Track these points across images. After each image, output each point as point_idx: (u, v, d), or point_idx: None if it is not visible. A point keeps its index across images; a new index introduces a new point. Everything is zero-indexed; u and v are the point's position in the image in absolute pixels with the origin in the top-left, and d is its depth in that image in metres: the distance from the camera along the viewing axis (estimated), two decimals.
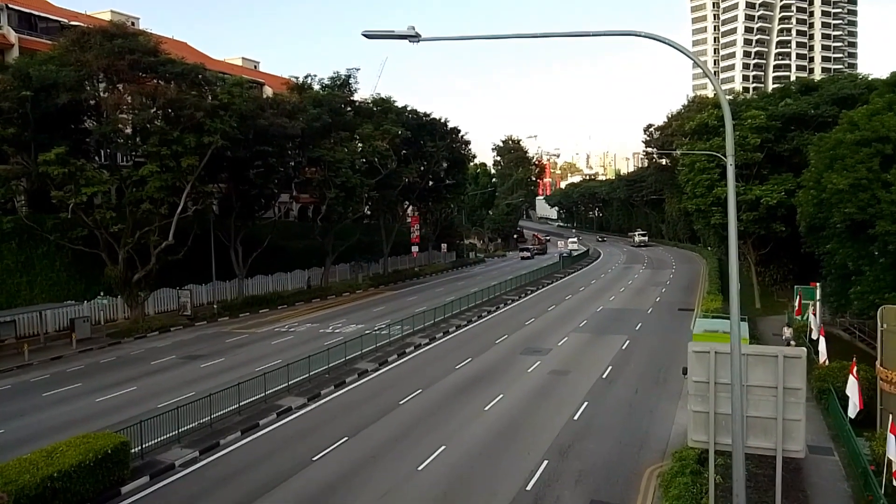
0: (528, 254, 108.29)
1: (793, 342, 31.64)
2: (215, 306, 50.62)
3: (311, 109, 54.25)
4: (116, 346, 39.75)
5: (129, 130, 44.57)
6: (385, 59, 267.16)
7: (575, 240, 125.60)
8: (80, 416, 25.74)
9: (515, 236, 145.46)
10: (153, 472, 19.98)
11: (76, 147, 41.74)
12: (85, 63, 40.27)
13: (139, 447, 20.83)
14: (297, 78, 61.97)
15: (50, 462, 17.43)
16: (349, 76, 63.19)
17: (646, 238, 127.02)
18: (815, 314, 32.91)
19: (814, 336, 30.27)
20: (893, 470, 15.55)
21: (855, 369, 21.14)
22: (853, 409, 20.56)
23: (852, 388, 20.69)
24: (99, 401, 28.07)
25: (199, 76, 44.93)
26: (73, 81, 39.50)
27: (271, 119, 48.80)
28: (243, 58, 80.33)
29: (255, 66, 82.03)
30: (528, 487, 18.56)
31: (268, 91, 66.06)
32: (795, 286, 40.30)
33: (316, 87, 61.35)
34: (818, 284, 36.74)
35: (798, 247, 44.00)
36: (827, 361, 26.81)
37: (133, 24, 58.33)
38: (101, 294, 45.08)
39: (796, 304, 37.88)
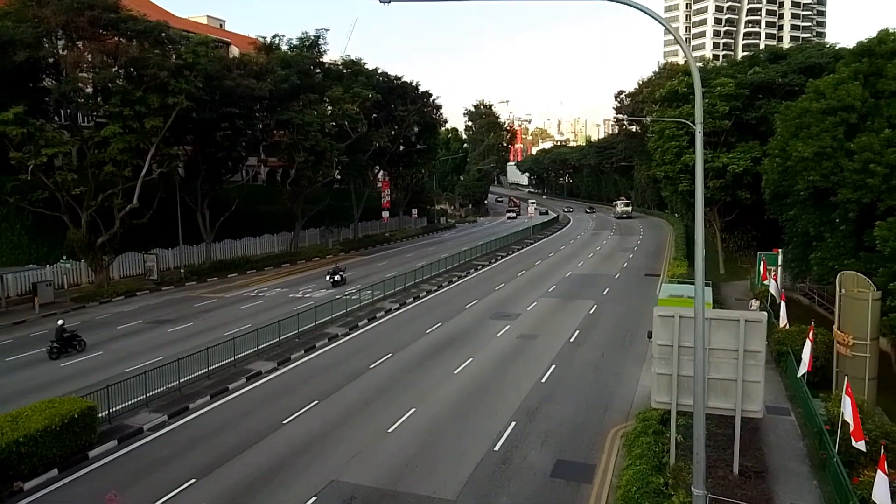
0: (514, 214, 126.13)
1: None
2: (182, 271, 50.01)
3: (279, 71, 53.16)
4: (81, 311, 39.15)
5: (89, 90, 43.20)
6: (355, 20, 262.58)
7: (534, 202, 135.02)
8: (46, 381, 25.44)
9: (486, 202, 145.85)
10: (121, 437, 19.93)
11: (35, 106, 40.34)
12: (43, 19, 38.79)
13: (106, 412, 20.73)
14: (264, 38, 60.47)
15: (15, 427, 17.27)
16: (318, 37, 61.91)
17: (629, 209, 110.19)
18: (775, 279, 33.71)
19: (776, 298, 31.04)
20: (851, 430, 16.16)
21: (811, 333, 21.85)
22: (802, 368, 21.30)
23: (806, 351, 21.43)
24: (64, 365, 27.74)
25: (163, 34, 43.58)
26: (30, 38, 38.02)
27: (238, 80, 47.78)
28: (208, 16, 78.21)
29: (221, 25, 79.95)
30: (496, 448, 18.94)
31: (234, 51, 64.40)
32: (759, 252, 41.18)
33: (284, 47, 59.94)
34: (780, 251, 37.61)
35: (762, 214, 44.85)
36: (787, 325, 27.58)
37: None
38: (64, 258, 44.20)
39: (760, 269, 38.74)
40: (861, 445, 16.00)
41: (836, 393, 20.09)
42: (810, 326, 22.81)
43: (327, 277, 46.26)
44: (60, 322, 29.80)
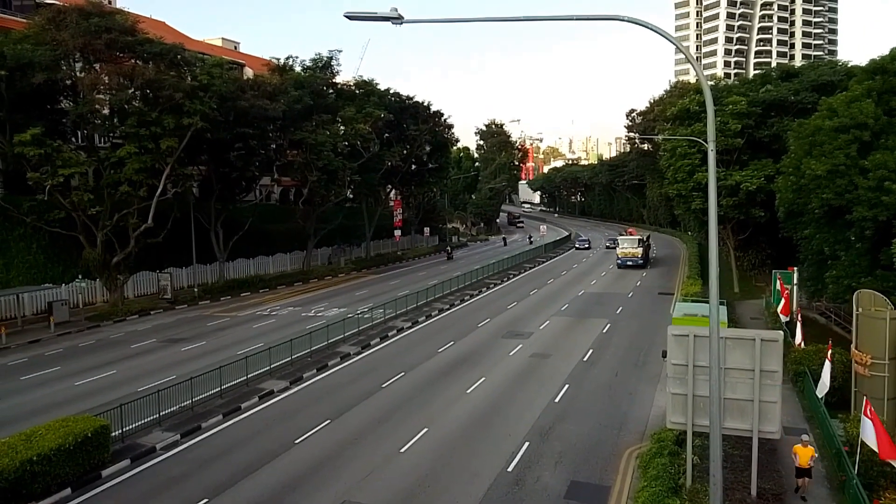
0: (522, 224, 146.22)
1: None
2: (196, 290, 50.25)
3: (292, 91, 53.69)
4: (95, 330, 39.38)
5: (106, 111, 43.87)
6: (367, 41, 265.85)
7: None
8: (60, 400, 25.55)
9: (498, 221, 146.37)
10: (134, 456, 19.93)
11: (52, 128, 41.01)
12: (61, 42, 39.49)
13: (120, 430, 20.76)
14: (278, 59, 61.32)
15: (29, 446, 17.31)
16: (331, 58, 62.62)
17: (639, 252, 64.49)
18: (786, 298, 33.36)
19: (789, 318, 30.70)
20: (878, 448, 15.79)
21: (829, 353, 21.57)
22: (821, 389, 21.00)
23: (826, 371, 21.14)
24: (78, 384, 27.86)
25: (178, 56, 44.24)
26: (48, 61, 38.72)
27: (252, 101, 48.27)
28: (223, 38, 79.45)
29: (236, 47, 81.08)
30: (510, 469, 18.76)
31: (248, 72, 65.23)
32: (773, 271, 40.81)
33: (297, 68, 60.67)
34: (795, 269, 37.28)
35: (776, 232, 44.49)
36: (803, 344, 27.25)
37: (110, 2, 57.24)
38: (80, 277, 44.60)
39: (775, 288, 38.35)
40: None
41: (855, 413, 19.78)
42: (828, 346, 22.53)
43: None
44: (449, 248, 62.25)
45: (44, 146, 37.94)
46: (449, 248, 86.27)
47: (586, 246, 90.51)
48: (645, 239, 67.99)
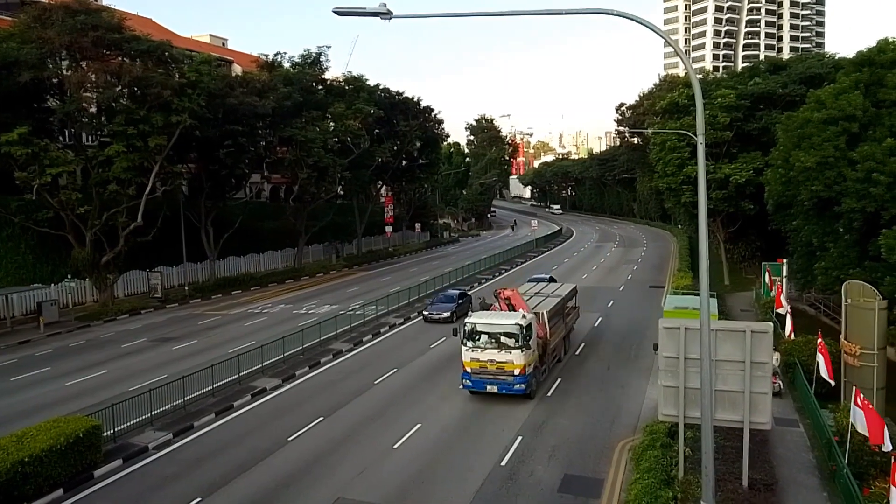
0: (494, 214, 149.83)
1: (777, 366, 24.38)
2: (187, 288, 50.04)
3: (281, 88, 53.44)
4: (86, 330, 39.15)
5: (93, 109, 43.57)
6: (356, 37, 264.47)
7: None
8: (50, 401, 25.40)
9: (489, 216, 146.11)
10: (126, 455, 19.85)
11: (39, 127, 40.63)
12: (47, 40, 39.11)
13: (111, 430, 20.67)
14: (266, 56, 60.86)
15: (20, 447, 17.21)
16: (320, 54, 62.29)
17: (521, 364, 23.03)
18: (780, 291, 33.58)
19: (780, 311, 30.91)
20: (868, 436, 15.95)
21: (821, 344, 21.75)
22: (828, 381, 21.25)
23: (821, 363, 21.33)
24: (69, 384, 27.71)
25: (166, 54, 43.90)
26: (34, 59, 38.35)
27: (241, 98, 47.99)
28: (211, 35, 78.86)
29: (224, 44, 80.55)
30: (503, 463, 18.82)
31: (237, 69, 64.88)
32: (763, 263, 41.07)
33: (286, 65, 60.35)
34: (785, 261, 37.52)
35: (766, 224, 44.76)
36: (792, 335, 27.44)
37: None
38: (69, 277, 44.32)
39: (765, 280, 38.58)
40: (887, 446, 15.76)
41: (845, 404, 19.96)
42: (818, 335, 22.70)
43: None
44: (512, 225, 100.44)
45: (31, 145, 37.59)
46: (512, 225, 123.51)
47: (442, 315, 38.34)
48: (545, 313, 26.86)
